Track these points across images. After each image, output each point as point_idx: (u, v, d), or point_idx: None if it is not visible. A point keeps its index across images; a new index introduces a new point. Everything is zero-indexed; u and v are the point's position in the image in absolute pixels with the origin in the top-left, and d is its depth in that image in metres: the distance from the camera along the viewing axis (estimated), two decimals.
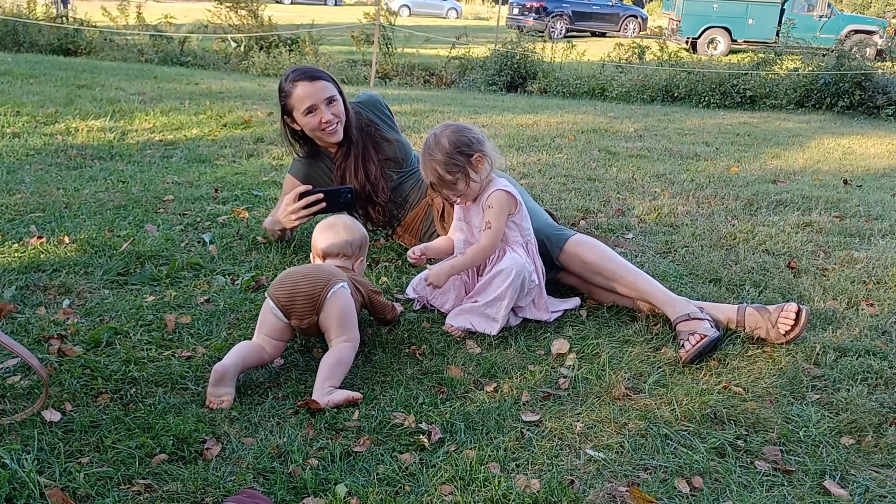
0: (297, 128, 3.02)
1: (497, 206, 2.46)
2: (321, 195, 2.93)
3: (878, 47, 14.93)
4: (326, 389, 2.00)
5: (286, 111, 2.98)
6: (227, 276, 2.84)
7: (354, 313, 2.18)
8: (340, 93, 3.02)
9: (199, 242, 3.19)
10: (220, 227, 3.41)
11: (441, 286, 2.51)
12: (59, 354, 2.18)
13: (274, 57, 13.04)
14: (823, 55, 11.44)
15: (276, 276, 2.83)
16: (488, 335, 2.42)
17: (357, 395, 2.00)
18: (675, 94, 10.96)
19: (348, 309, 2.15)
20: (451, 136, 2.43)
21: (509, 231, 2.51)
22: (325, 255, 2.37)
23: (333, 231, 2.39)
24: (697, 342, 2.27)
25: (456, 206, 2.62)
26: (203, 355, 2.22)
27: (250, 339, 2.32)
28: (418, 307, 2.65)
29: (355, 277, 2.32)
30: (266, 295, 2.19)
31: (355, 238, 2.41)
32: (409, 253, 2.60)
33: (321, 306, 2.12)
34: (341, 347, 2.10)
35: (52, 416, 1.86)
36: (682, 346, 2.30)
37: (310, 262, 2.48)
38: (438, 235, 2.99)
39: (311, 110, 2.92)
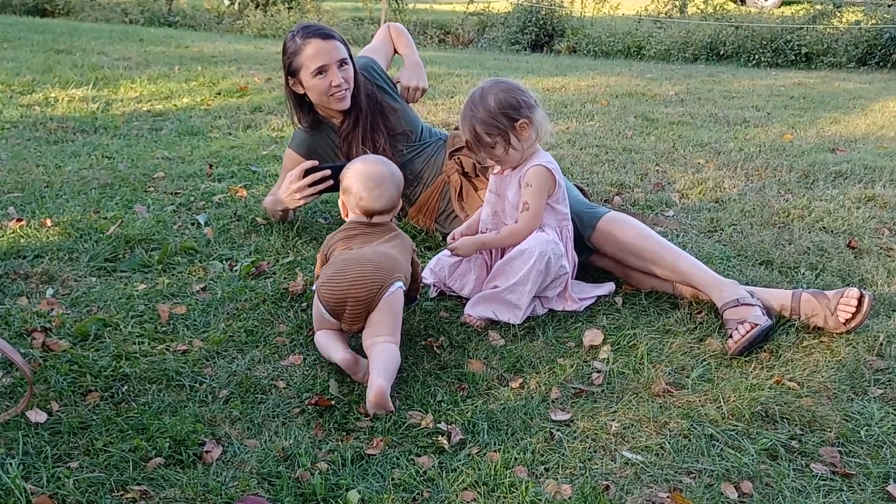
0: (301, 91, 3.03)
1: (536, 183, 2.46)
2: (328, 171, 2.93)
3: None
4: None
5: (291, 71, 2.98)
6: (224, 262, 2.86)
7: (402, 313, 2.22)
8: (351, 57, 3.02)
9: (193, 224, 3.21)
10: (215, 207, 3.43)
11: (464, 255, 2.54)
12: (44, 349, 2.21)
13: (272, 16, 13.02)
14: (889, 6, 11.24)
15: (277, 261, 2.86)
16: (513, 325, 2.43)
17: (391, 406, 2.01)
18: (721, 52, 10.82)
19: (399, 310, 2.18)
20: (499, 95, 2.43)
21: (545, 214, 2.50)
22: (374, 214, 2.35)
23: (382, 185, 2.34)
24: (747, 332, 2.27)
25: (491, 175, 2.63)
26: (200, 349, 2.25)
27: (252, 331, 2.36)
28: (435, 294, 2.67)
29: (404, 242, 2.34)
30: (313, 290, 2.21)
31: (401, 184, 2.42)
32: (449, 238, 2.61)
33: (374, 308, 2.15)
34: (390, 348, 2.10)
35: (37, 416, 1.89)
36: (730, 335, 2.30)
37: (344, 223, 2.43)
38: (456, 217, 3.00)
39: (321, 71, 2.93)
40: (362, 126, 3.07)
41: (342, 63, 2.96)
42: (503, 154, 2.46)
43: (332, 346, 2.14)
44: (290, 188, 2.97)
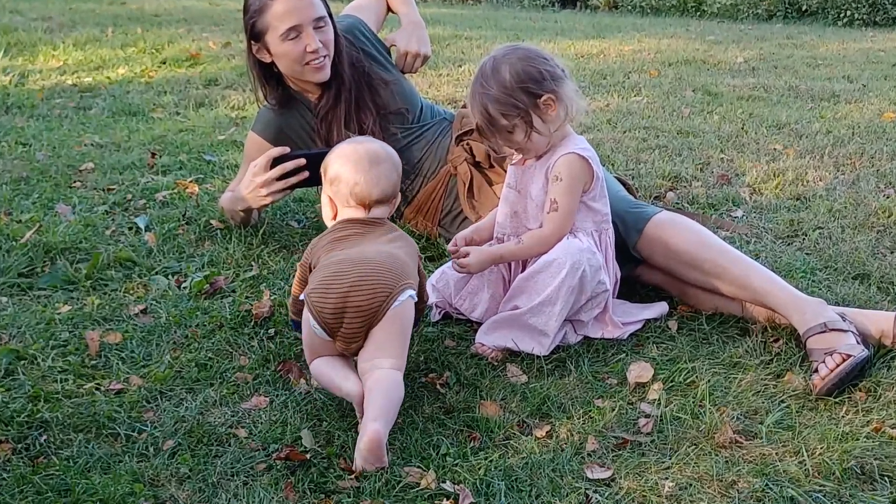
0: (268, 60, 3.04)
1: (568, 177, 2.46)
2: (302, 160, 2.93)
3: None
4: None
5: (255, 34, 3.00)
6: (170, 277, 2.87)
7: (411, 332, 2.22)
8: (330, 15, 3.03)
9: (130, 229, 3.22)
10: (159, 206, 3.44)
11: (476, 272, 2.54)
12: None
13: None
14: None
15: (237, 275, 2.87)
16: (537, 357, 2.43)
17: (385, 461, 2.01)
18: (803, 8, 10.86)
19: (409, 328, 2.19)
20: (517, 65, 2.43)
21: (579, 216, 2.50)
22: (372, 204, 2.35)
23: (378, 164, 2.34)
24: (837, 365, 2.26)
25: (509, 166, 2.63)
26: (139, 388, 2.26)
27: (205, 365, 2.36)
28: (438, 317, 2.67)
29: (409, 245, 2.35)
30: (303, 299, 2.19)
31: (400, 165, 2.42)
32: (450, 247, 2.61)
33: (377, 321, 2.14)
34: (393, 377, 2.09)
35: None
36: (816, 370, 2.29)
37: (325, 224, 2.43)
38: (465, 219, 3.00)
39: (293, 33, 2.93)
40: (345, 102, 3.08)
41: (319, 22, 2.96)
42: (524, 140, 2.46)
43: (336, 375, 2.13)
44: (253, 182, 2.97)
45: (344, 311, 2.12)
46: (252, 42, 3.02)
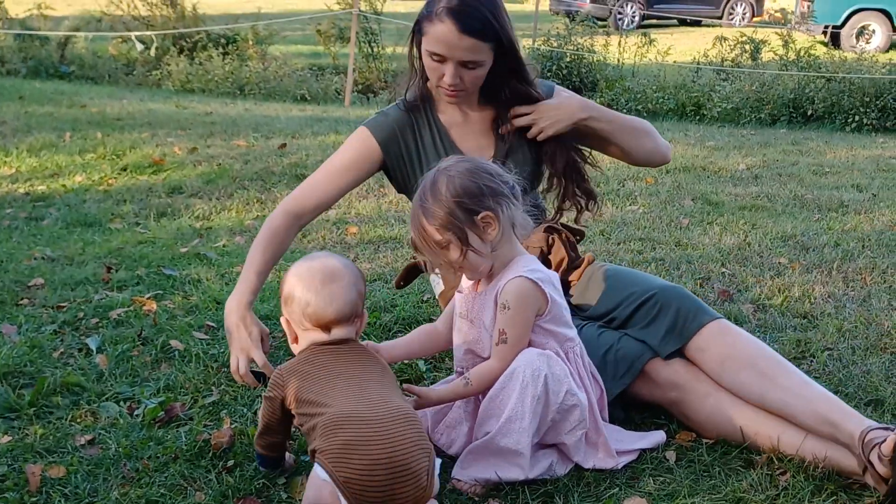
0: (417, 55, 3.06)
1: (516, 305, 2.45)
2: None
3: None
4: None
5: (418, 29, 3.02)
6: (122, 403, 2.85)
7: None
8: (512, 63, 3.04)
9: (80, 350, 3.21)
10: (113, 326, 3.44)
11: (426, 407, 2.56)
12: None
13: (200, 63, 13.35)
14: None
15: (196, 401, 2.85)
16: (521, 489, 2.40)
17: None
18: (809, 112, 11.08)
19: None
20: (455, 179, 2.43)
21: (536, 337, 2.50)
22: (330, 325, 2.34)
23: (333, 281, 2.34)
24: None
25: (458, 294, 2.64)
26: None
27: (157, 501, 2.33)
28: None
29: (388, 373, 2.36)
30: (327, 479, 2.11)
31: (361, 284, 2.42)
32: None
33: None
34: None
35: None
36: (879, 451, 2.32)
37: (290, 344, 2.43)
38: None
39: (437, 57, 2.97)
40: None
41: (468, 64, 3.00)
42: (459, 259, 2.45)
43: None
44: (235, 358, 2.93)
45: (394, 497, 2.11)
46: (415, 33, 3.04)
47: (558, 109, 3.12)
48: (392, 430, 2.13)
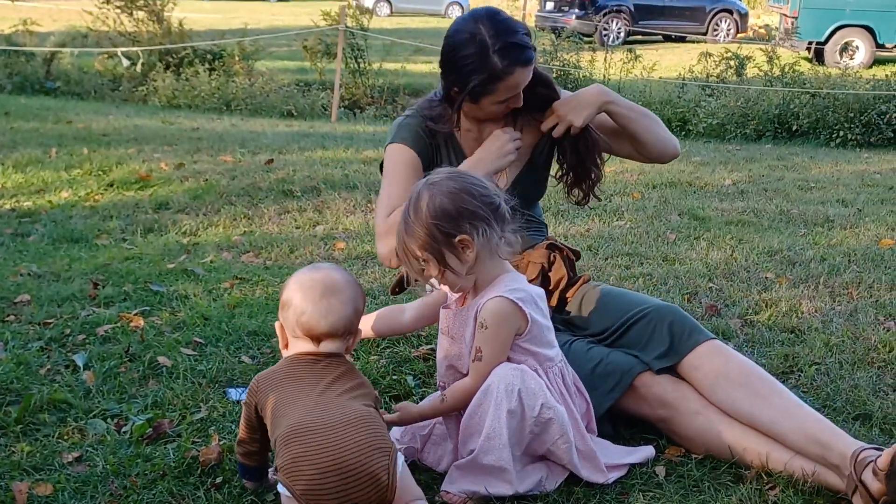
0: (464, 105, 3.03)
1: (494, 324, 2.45)
2: None
3: None
4: None
5: (473, 93, 2.96)
6: (109, 420, 2.84)
7: None
8: (536, 76, 3.07)
9: (67, 367, 3.20)
10: (100, 342, 3.43)
11: (404, 425, 2.59)
12: None
13: (186, 79, 13.35)
14: None
15: (184, 417, 2.84)
16: (511, 501, 2.41)
17: None
18: (794, 128, 11.14)
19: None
20: (436, 199, 2.44)
21: (515, 356, 2.51)
22: (321, 337, 2.35)
23: (332, 295, 2.34)
24: None
25: (442, 310, 2.66)
26: None
27: None
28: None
29: (369, 390, 2.35)
30: (287, 493, 2.13)
31: (360, 301, 2.42)
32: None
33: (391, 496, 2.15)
34: None
35: None
36: (875, 466, 2.31)
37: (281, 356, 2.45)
38: None
39: (507, 101, 2.99)
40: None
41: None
42: (438, 276, 2.49)
43: None
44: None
45: (346, 496, 2.10)
46: (465, 94, 2.97)
47: (579, 99, 3.11)
48: (342, 434, 2.14)
